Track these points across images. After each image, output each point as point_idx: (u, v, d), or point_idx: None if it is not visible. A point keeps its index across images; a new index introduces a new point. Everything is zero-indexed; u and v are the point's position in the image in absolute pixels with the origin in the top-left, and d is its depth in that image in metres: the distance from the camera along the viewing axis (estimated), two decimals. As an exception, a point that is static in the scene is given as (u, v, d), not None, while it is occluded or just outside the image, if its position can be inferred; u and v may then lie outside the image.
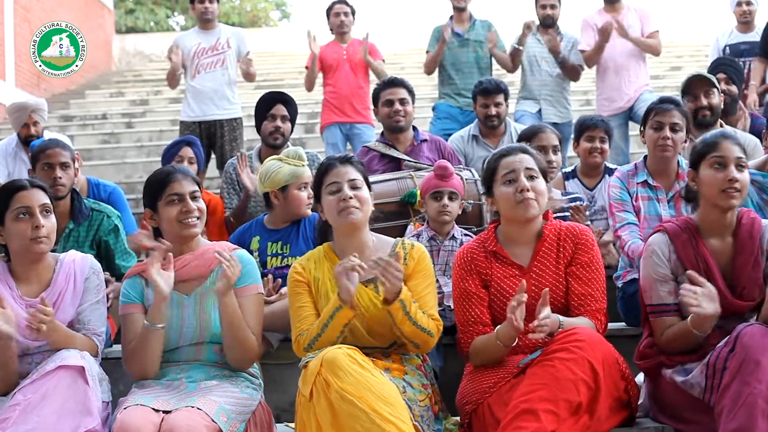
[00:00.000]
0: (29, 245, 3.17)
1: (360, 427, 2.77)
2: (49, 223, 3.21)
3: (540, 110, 6.95)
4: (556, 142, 4.72)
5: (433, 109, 7.19)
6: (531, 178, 3.15)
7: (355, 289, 3.02)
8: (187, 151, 5.39)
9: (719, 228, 3.13)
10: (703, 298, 2.90)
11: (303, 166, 4.15)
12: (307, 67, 7.33)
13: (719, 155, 3.11)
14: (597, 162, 4.99)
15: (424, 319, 3.10)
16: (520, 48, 6.93)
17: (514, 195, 3.13)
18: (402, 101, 5.29)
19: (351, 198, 3.18)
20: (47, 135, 5.94)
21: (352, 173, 3.25)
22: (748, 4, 6.93)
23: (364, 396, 2.80)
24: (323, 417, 2.83)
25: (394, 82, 5.40)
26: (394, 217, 4.41)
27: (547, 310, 2.90)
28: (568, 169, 5.17)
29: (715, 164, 3.11)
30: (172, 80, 6.92)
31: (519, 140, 4.72)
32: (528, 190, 3.11)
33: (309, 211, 4.13)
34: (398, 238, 3.34)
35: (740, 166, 3.10)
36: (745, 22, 6.95)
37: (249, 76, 6.94)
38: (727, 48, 7.00)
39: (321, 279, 3.23)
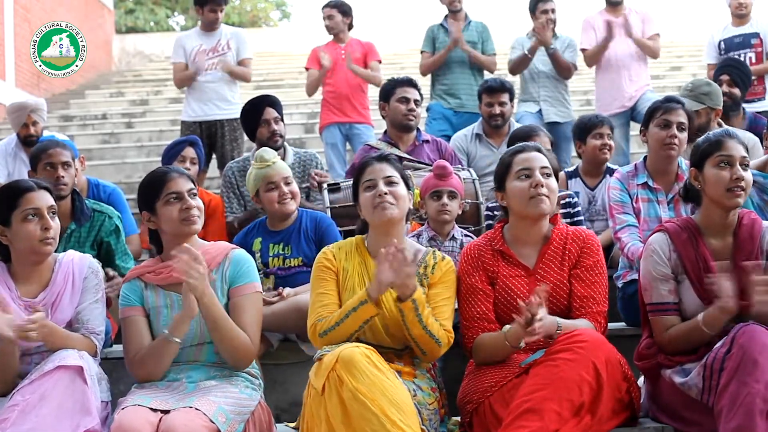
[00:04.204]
0: (37, 246, 3.17)
1: (369, 429, 2.77)
2: (55, 225, 3.21)
3: (540, 110, 6.94)
4: (549, 146, 4.70)
5: (428, 109, 7.18)
6: (545, 176, 3.17)
7: (386, 288, 3.01)
8: (190, 152, 5.40)
9: (720, 228, 3.14)
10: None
11: (267, 167, 4.17)
12: (306, 69, 7.33)
13: (725, 154, 3.11)
14: (606, 158, 5.01)
15: (436, 326, 3.08)
16: (530, 56, 6.89)
17: (528, 190, 3.14)
18: (416, 102, 5.34)
19: (386, 194, 3.18)
20: (46, 134, 5.94)
21: (388, 170, 3.24)
22: None
23: (376, 399, 2.80)
24: (334, 413, 2.82)
25: (412, 82, 5.44)
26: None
27: (542, 312, 2.91)
28: (571, 169, 5.18)
29: (720, 163, 3.11)
30: (185, 83, 6.95)
31: (512, 140, 4.69)
32: (542, 186, 3.13)
33: (288, 208, 4.12)
34: (430, 248, 3.34)
35: (745, 165, 3.11)
36: (741, 15, 6.94)
37: (236, 76, 6.93)
38: (722, 43, 6.99)
39: (349, 272, 3.22)
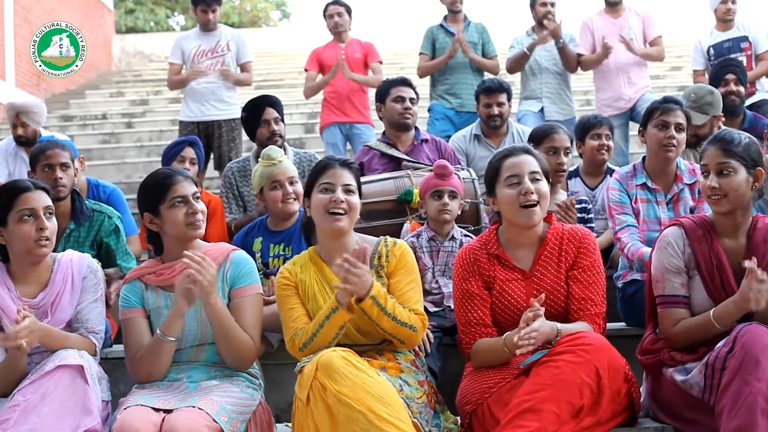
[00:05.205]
0: (32, 247, 3.17)
1: (359, 429, 2.78)
2: (51, 225, 3.21)
3: (542, 108, 6.94)
4: (568, 144, 4.68)
5: (429, 110, 7.18)
6: (535, 180, 3.15)
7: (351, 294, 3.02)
8: (189, 152, 5.39)
9: (731, 229, 3.14)
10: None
11: (273, 165, 4.18)
12: (306, 70, 7.32)
13: (703, 163, 3.15)
14: (605, 159, 5.00)
15: (405, 314, 3.09)
16: (529, 54, 6.89)
17: (517, 198, 3.12)
18: (411, 101, 5.35)
19: (342, 201, 3.19)
20: (45, 134, 5.94)
21: (348, 178, 3.25)
22: (733, 2, 6.93)
23: (361, 398, 2.81)
24: (321, 421, 2.84)
25: (406, 82, 5.45)
26: (390, 215, 4.42)
27: (539, 321, 2.90)
28: (571, 169, 5.18)
29: (702, 172, 3.16)
30: (177, 86, 6.98)
31: (530, 139, 4.67)
32: (532, 193, 3.11)
33: (291, 208, 4.13)
34: (381, 237, 3.34)
35: (722, 172, 3.08)
36: (728, 21, 6.95)
37: (239, 83, 6.95)
38: (711, 49, 6.97)
39: (308, 282, 3.24)
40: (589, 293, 3.14)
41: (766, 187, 3.17)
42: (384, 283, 3.18)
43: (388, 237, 3.34)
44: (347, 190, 3.23)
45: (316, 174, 3.28)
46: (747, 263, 2.88)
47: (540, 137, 4.58)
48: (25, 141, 5.84)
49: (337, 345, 3.03)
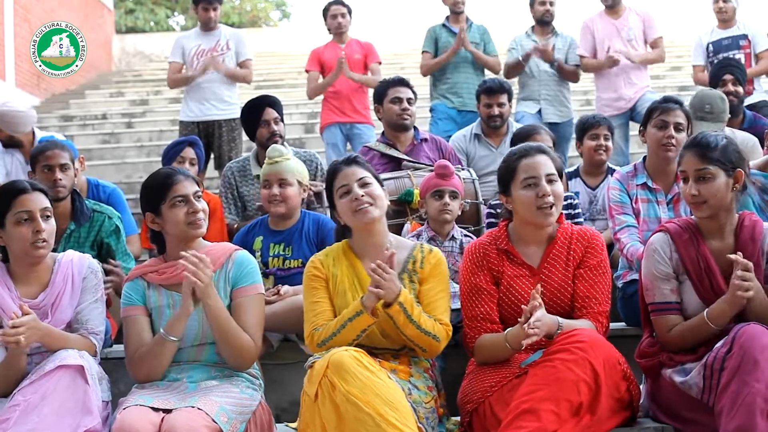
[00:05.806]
0: (29, 249, 3.17)
1: (365, 431, 2.77)
2: (49, 227, 3.21)
3: (540, 110, 6.95)
4: (550, 144, 4.69)
5: (431, 110, 7.19)
6: (551, 182, 3.16)
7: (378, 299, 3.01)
8: (189, 152, 5.40)
9: (717, 230, 3.14)
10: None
11: (268, 164, 4.17)
12: (307, 71, 7.32)
13: (681, 170, 3.15)
14: (603, 160, 5.00)
15: (430, 323, 3.08)
16: (524, 63, 6.91)
17: (535, 200, 3.13)
18: (409, 101, 5.34)
19: (363, 196, 3.18)
20: (45, 135, 5.94)
21: (360, 172, 3.24)
22: (725, 1, 6.95)
23: (370, 400, 2.80)
24: (328, 419, 2.83)
25: (403, 82, 5.45)
26: (391, 215, 4.40)
27: (540, 312, 2.91)
28: (571, 169, 5.18)
29: (681, 178, 3.16)
30: (179, 84, 6.96)
31: (513, 140, 4.70)
32: (549, 196, 3.12)
33: (275, 209, 4.09)
34: (417, 242, 3.33)
35: (701, 178, 3.08)
36: (724, 20, 6.98)
37: (236, 78, 6.92)
38: (710, 45, 7.01)
39: (339, 276, 3.22)
40: (594, 292, 3.15)
41: (748, 182, 3.16)
42: (415, 288, 3.18)
43: (424, 243, 3.33)
44: (363, 184, 3.21)
45: (329, 183, 3.28)
46: (732, 256, 2.91)
47: (522, 137, 4.59)
48: (6, 143, 5.82)
49: (357, 346, 3.01)
